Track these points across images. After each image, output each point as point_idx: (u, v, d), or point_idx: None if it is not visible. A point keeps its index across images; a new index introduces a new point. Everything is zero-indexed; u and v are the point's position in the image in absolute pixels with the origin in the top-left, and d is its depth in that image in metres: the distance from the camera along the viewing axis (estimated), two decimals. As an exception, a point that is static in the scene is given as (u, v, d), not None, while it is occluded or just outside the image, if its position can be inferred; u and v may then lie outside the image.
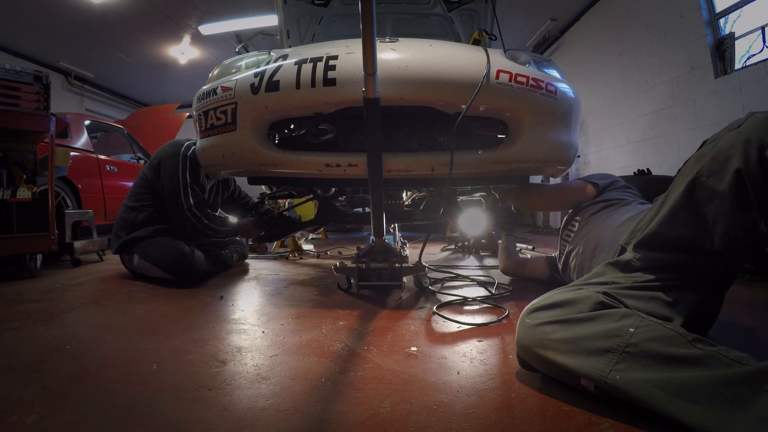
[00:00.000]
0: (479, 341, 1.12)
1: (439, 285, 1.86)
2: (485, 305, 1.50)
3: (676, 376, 0.65)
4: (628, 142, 4.62)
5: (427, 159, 1.46)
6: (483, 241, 3.20)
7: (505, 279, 2.01)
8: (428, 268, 2.03)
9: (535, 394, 0.80)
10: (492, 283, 1.85)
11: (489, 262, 2.69)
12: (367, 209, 2.53)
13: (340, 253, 3.24)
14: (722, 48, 3.39)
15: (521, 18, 5.71)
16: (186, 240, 2.08)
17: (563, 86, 1.51)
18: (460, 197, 2.39)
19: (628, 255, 0.93)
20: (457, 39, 2.87)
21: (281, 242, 3.37)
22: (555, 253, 1.83)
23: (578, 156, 3.73)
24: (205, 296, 1.70)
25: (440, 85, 1.37)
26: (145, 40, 6.18)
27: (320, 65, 1.38)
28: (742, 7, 3.29)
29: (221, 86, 1.50)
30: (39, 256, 2.21)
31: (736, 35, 3.32)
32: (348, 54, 1.39)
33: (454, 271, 2.21)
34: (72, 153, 3.29)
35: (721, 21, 3.48)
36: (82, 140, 3.88)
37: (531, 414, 0.73)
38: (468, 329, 1.23)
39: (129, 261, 2.09)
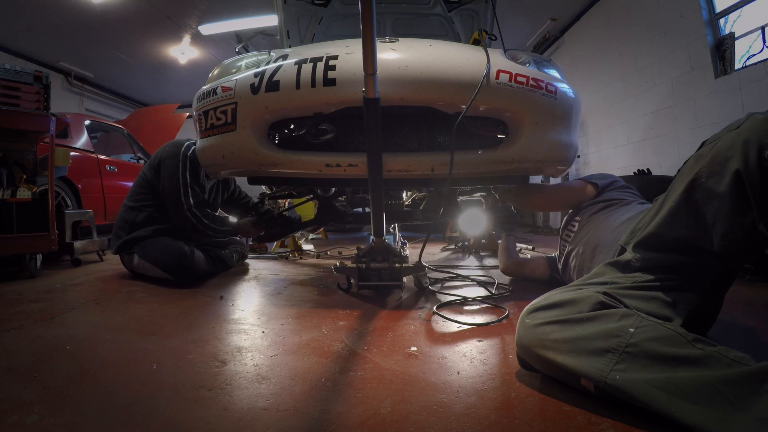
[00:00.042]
0: (479, 341, 1.12)
1: (439, 285, 1.86)
2: (485, 305, 1.50)
3: (676, 376, 0.65)
4: (628, 142, 4.62)
5: (427, 159, 1.46)
6: (483, 241, 3.20)
7: (505, 279, 2.01)
8: (428, 268, 2.03)
9: (535, 394, 0.80)
10: (492, 283, 1.85)
11: (489, 262, 2.69)
12: (367, 209, 2.53)
13: (340, 253, 3.24)
14: (722, 48, 3.39)
15: (521, 18, 5.71)
16: (186, 240, 2.08)
17: (563, 86, 1.51)
18: (460, 197, 2.39)
19: (628, 255, 0.93)
20: (457, 39, 2.87)
21: (281, 242, 3.37)
22: (555, 253, 1.83)
23: (578, 156, 3.73)
24: (205, 296, 1.70)
25: (440, 85, 1.37)
26: (145, 40, 6.18)
27: (320, 65, 1.38)
28: (742, 7, 3.29)
29: (221, 86, 1.50)
30: (39, 256, 2.21)
31: (736, 35, 3.32)
32: (348, 54, 1.39)
33: (454, 271, 2.21)
34: (72, 153, 3.29)
35: (721, 21, 3.48)
36: (82, 140, 3.88)
37: (531, 414, 0.73)
38: (468, 329, 1.23)
39: (129, 261, 2.09)
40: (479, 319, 1.32)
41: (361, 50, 1.00)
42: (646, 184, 3.03)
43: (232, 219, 2.35)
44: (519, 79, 1.41)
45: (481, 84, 1.35)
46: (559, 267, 1.67)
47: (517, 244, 2.53)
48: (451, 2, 2.87)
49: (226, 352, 1.04)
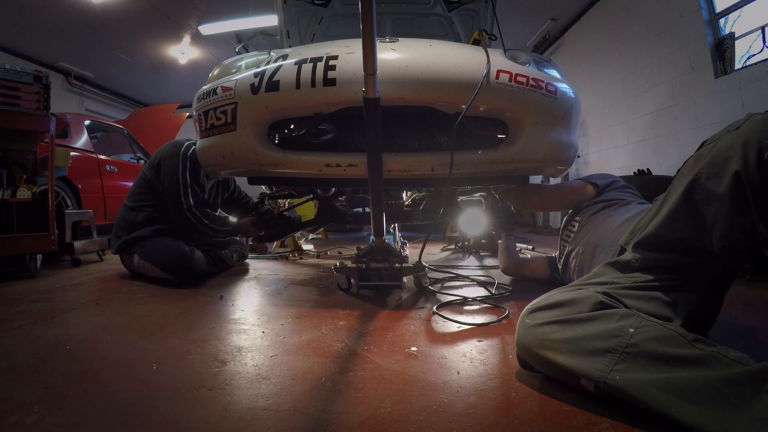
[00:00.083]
0: (479, 341, 1.12)
1: (439, 285, 1.86)
2: (485, 305, 1.50)
3: (676, 377, 0.65)
4: (628, 142, 4.62)
5: (427, 159, 1.46)
6: (483, 241, 3.20)
7: (505, 279, 2.01)
8: (428, 268, 2.03)
9: (535, 394, 0.80)
10: (492, 283, 1.85)
11: (489, 262, 2.69)
12: (367, 209, 2.53)
13: (340, 253, 3.24)
14: (722, 48, 3.39)
15: (521, 18, 5.71)
16: (186, 240, 2.08)
17: (563, 86, 1.51)
18: (460, 197, 2.39)
19: (628, 255, 0.93)
20: (457, 39, 2.87)
21: (281, 242, 3.37)
22: (555, 253, 1.83)
23: (578, 156, 3.73)
24: (205, 296, 1.70)
25: (440, 85, 1.37)
26: (145, 40, 6.18)
27: (320, 65, 1.38)
28: (742, 7, 3.29)
29: (221, 86, 1.50)
30: (39, 256, 2.21)
31: (736, 35, 3.32)
32: (348, 54, 1.39)
33: (454, 271, 2.21)
34: (72, 153, 3.29)
35: (721, 21, 3.48)
36: (82, 140, 3.88)
37: (531, 414, 0.73)
38: (468, 329, 1.23)
39: (129, 261, 2.09)
40: (479, 319, 1.32)
41: (361, 50, 1.00)
42: (646, 184, 3.03)
43: (232, 219, 2.35)
44: (519, 79, 1.41)
45: (481, 84, 1.35)
46: (559, 267, 1.67)
47: (517, 244, 2.53)
48: (451, 2, 2.87)
49: (226, 352, 1.04)
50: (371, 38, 0.97)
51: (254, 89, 1.43)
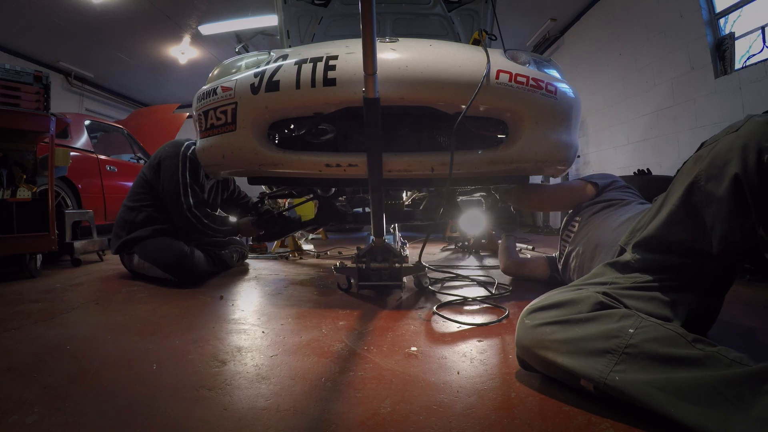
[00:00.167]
0: (479, 341, 1.12)
1: (439, 285, 1.86)
2: (485, 305, 1.50)
3: (676, 377, 0.65)
4: (628, 142, 4.62)
5: (427, 159, 1.46)
6: (483, 241, 3.20)
7: (505, 279, 2.01)
8: (428, 268, 2.03)
9: (535, 394, 0.80)
10: (492, 283, 1.85)
11: (489, 262, 2.69)
12: (367, 209, 2.53)
13: (340, 253, 3.24)
14: (722, 48, 3.39)
15: (521, 18, 5.71)
16: (186, 240, 2.08)
17: (563, 86, 1.51)
18: (460, 197, 2.39)
19: (627, 255, 0.93)
20: (457, 39, 2.87)
21: (281, 242, 3.37)
22: (555, 253, 1.83)
23: (578, 156, 3.73)
24: (205, 296, 1.70)
25: (440, 85, 1.38)
26: (145, 40, 6.18)
27: (320, 65, 1.38)
28: (742, 7, 3.29)
29: (221, 86, 1.50)
30: (39, 256, 2.21)
31: (736, 35, 3.32)
32: (348, 54, 1.39)
33: (454, 271, 2.21)
34: (72, 153, 3.29)
35: (721, 21, 3.48)
36: (82, 140, 3.88)
37: (531, 414, 0.73)
38: (468, 329, 1.23)
39: (129, 261, 2.09)
40: (479, 319, 1.32)
41: (361, 50, 1.00)
42: (646, 184, 3.03)
43: (232, 219, 2.35)
44: (519, 79, 1.41)
45: (481, 84, 1.35)
46: (559, 267, 1.67)
47: (517, 244, 2.53)
48: (451, 2, 2.87)
49: (226, 352, 1.04)
50: (371, 38, 0.97)
51: (254, 89, 1.43)
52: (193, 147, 2.09)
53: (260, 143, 1.47)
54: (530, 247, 3.41)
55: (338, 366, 0.95)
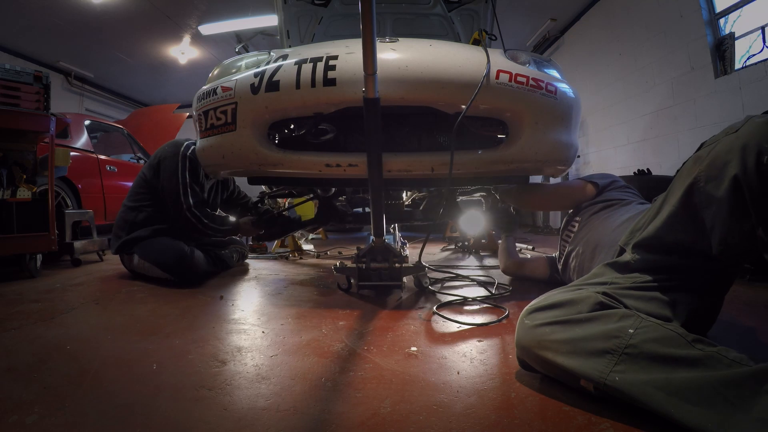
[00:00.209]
0: (479, 341, 1.12)
1: (439, 285, 1.86)
2: (485, 305, 1.50)
3: (676, 377, 0.65)
4: (628, 142, 4.62)
5: (427, 159, 1.46)
6: (483, 241, 3.20)
7: (505, 279, 2.01)
8: (428, 268, 2.03)
9: (535, 394, 0.80)
10: (492, 283, 1.85)
11: (489, 262, 2.69)
12: (367, 209, 2.53)
13: (340, 253, 3.24)
14: (722, 48, 3.39)
15: (521, 18, 5.71)
16: (186, 240, 2.08)
17: (563, 86, 1.51)
18: (460, 197, 2.39)
19: (627, 256, 0.93)
20: (457, 39, 2.87)
21: (281, 242, 3.37)
22: (555, 254, 1.83)
23: (578, 156, 3.73)
24: (205, 296, 1.70)
25: (440, 85, 1.38)
26: (145, 40, 6.18)
27: (320, 65, 1.38)
28: (742, 7, 3.29)
29: (221, 86, 1.50)
30: (39, 256, 2.21)
31: (736, 35, 3.32)
32: (348, 54, 1.39)
33: (454, 271, 2.21)
34: (72, 153, 3.29)
35: (721, 21, 3.48)
36: (82, 140, 3.88)
37: (531, 414, 0.73)
38: (468, 329, 1.23)
39: (129, 261, 2.09)
40: (479, 319, 1.32)
41: (361, 50, 1.00)
42: (646, 184, 3.03)
43: (232, 218, 2.35)
44: (519, 79, 1.41)
45: (481, 84, 1.35)
46: (559, 267, 1.67)
47: (517, 244, 2.53)
48: (451, 2, 2.87)
49: (226, 352, 1.04)
50: (371, 38, 0.97)
51: (254, 89, 1.43)
52: (192, 147, 2.09)
53: (260, 143, 1.47)
54: (530, 247, 3.41)
55: (338, 366, 0.95)
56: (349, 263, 1.73)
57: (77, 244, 2.63)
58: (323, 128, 1.51)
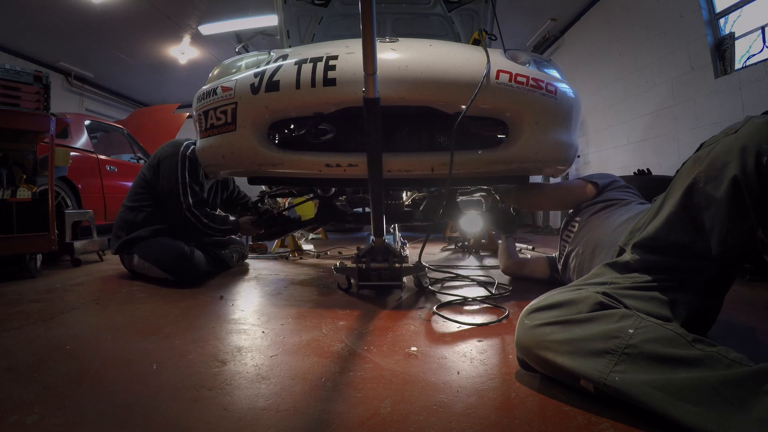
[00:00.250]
0: (479, 341, 1.12)
1: (439, 285, 1.86)
2: (485, 305, 1.50)
3: (676, 377, 0.65)
4: (628, 142, 4.62)
5: (427, 159, 1.46)
6: (483, 241, 3.20)
7: (505, 279, 2.01)
8: (428, 268, 2.03)
9: (535, 394, 0.80)
10: (492, 283, 1.85)
11: (489, 262, 2.69)
12: (367, 209, 2.53)
13: (340, 253, 3.24)
14: (722, 48, 3.39)
15: (521, 18, 5.71)
16: (186, 240, 2.08)
17: (563, 86, 1.51)
18: (460, 197, 2.39)
19: (627, 256, 0.93)
20: (457, 39, 2.87)
21: (281, 242, 3.37)
22: (555, 254, 1.83)
23: (578, 156, 3.73)
24: (205, 296, 1.70)
25: (440, 85, 1.37)
26: (145, 40, 6.18)
27: (320, 65, 1.38)
28: (742, 7, 3.29)
29: (221, 86, 1.50)
30: (39, 256, 2.21)
31: (736, 35, 3.32)
32: (348, 54, 1.39)
33: (454, 271, 2.21)
34: (72, 153, 3.29)
35: (721, 21, 3.48)
36: (82, 140, 3.88)
37: (531, 414, 0.73)
38: (468, 329, 1.23)
39: (129, 261, 2.09)
40: (479, 319, 1.32)
41: (361, 50, 1.00)
42: (646, 184, 3.03)
43: (232, 218, 2.35)
44: (519, 79, 1.41)
45: (481, 84, 1.35)
46: (559, 267, 1.67)
47: (517, 244, 2.53)
48: (451, 2, 2.87)
49: (226, 352, 1.04)
50: (371, 38, 0.97)
51: (254, 89, 1.43)
52: (192, 147, 2.09)
53: (260, 143, 1.47)
54: (530, 247, 3.41)
55: (338, 366, 0.95)
56: (349, 263, 1.72)
57: (77, 244, 2.63)
58: (323, 128, 1.51)
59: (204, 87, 1.61)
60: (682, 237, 0.83)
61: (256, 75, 1.44)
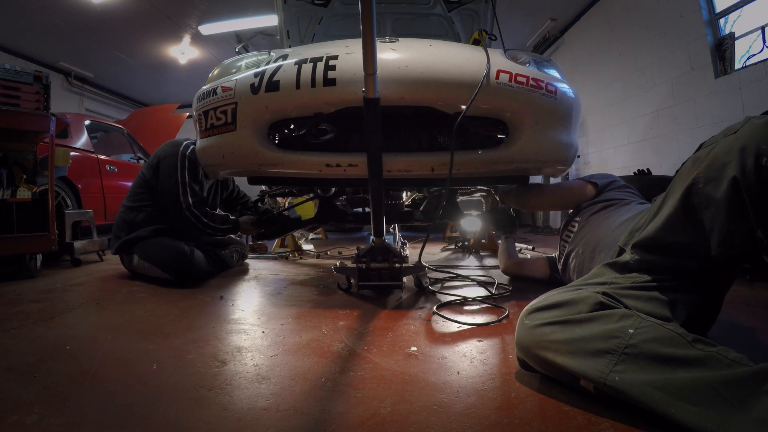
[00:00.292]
0: (479, 341, 1.12)
1: (439, 285, 1.86)
2: (485, 305, 1.50)
3: (676, 377, 0.65)
4: (628, 142, 4.62)
5: (427, 159, 1.46)
6: (483, 241, 3.20)
7: (505, 279, 2.01)
8: (428, 268, 2.03)
9: (535, 394, 0.80)
10: (492, 283, 1.85)
11: (489, 262, 2.69)
12: (367, 209, 2.53)
13: (340, 253, 3.24)
14: (722, 48, 3.39)
15: (521, 18, 5.71)
16: (186, 240, 2.08)
17: (563, 86, 1.51)
18: (460, 197, 2.39)
19: (626, 256, 0.93)
20: (457, 39, 2.87)
21: (281, 242, 3.37)
22: (555, 254, 1.83)
23: (578, 156, 3.73)
24: (205, 296, 1.70)
25: (440, 85, 1.37)
26: (145, 40, 6.18)
27: (320, 65, 1.38)
28: (742, 7, 3.29)
29: (221, 86, 1.50)
30: (39, 256, 2.21)
31: (736, 35, 3.32)
32: (348, 54, 1.39)
33: (454, 271, 2.21)
34: (72, 153, 3.29)
35: (721, 21, 3.48)
36: (82, 140, 3.88)
37: (531, 414, 0.73)
38: (468, 329, 1.23)
39: (129, 261, 2.09)
40: (479, 319, 1.32)
41: (361, 50, 1.00)
42: (646, 184, 3.03)
43: (232, 217, 2.35)
44: (519, 79, 1.41)
45: (481, 84, 1.35)
46: (559, 267, 1.67)
47: (517, 244, 2.53)
48: (451, 2, 2.87)
49: (226, 352, 1.04)
50: (371, 38, 0.97)
51: (254, 89, 1.43)
52: (191, 146, 2.09)
53: (260, 143, 1.47)
54: (530, 247, 3.41)
55: (338, 366, 0.95)
56: (349, 263, 1.72)
57: (77, 244, 2.63)
58: (323, 128, 1.51)
59: (204, 87, 1.61)
60: (682, 237, 0.83)
61: (256, 75, 1.44)
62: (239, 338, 1.16)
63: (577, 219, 1.54)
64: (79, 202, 3.58)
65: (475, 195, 2.44)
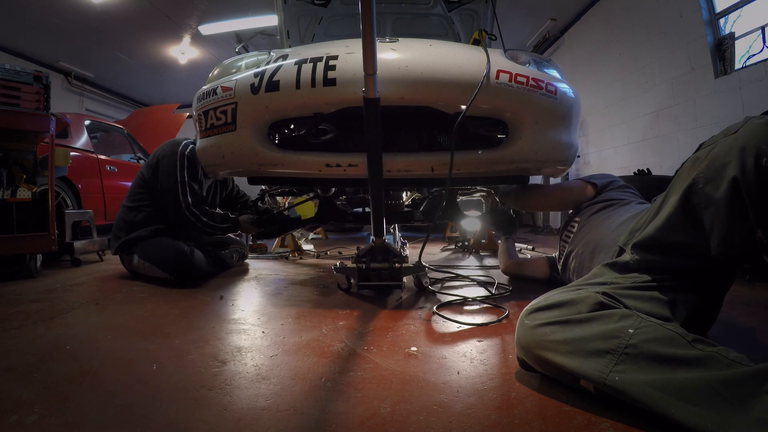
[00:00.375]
0: (479, 341, 1.12)
1: (439, 285, 1.86)
2: (485, 305, 1.50)
3: (676, 377, 0.65)
4: (628, 142, 4.62)
5: (427, 159, 1.46)
6: (483, 241, 3.20)
7: (505, 279, 2.01)
8: (428, 268, 2.03)
9: (535, 394, 0.80)
10: (492, 283, 1.85)
11: (489, 262, 2.69)
12: (367, 209, 2.53)
13: (340, 253, 3.24)
14: (722, 48, 3.40)
15: (521, 18, 5.71)
16: (185, 240, 2.08)
17: (563, 86, 1.51)
18: (460, 197, 2.39)
19: (626, 256, 0.93)
20: (457, 39, 2.87)
21: (281, 242, 3.37)
22: (555, 254, 1.83)
23: (578, 156, 3.73)
24: (205, 296, 1.70)
25: (440, 85, 1.37)
26: (145, 40, 6.19)
27: (320, 65, 1.38)
28: (742, 7, 3.29)
29: (221, 86, 1.50)
30: (39, 256, 2.21)
31: (736, 35, 3.32)
32: (348, 54, 1.39)
33: (454, 271, 2.21)
34: (72, 153, 3.29)
35: (721, 21, 3.48)
36: (82, 140, 3.88)
37: (531, 414, 0.73)
38: (468, 329, 1.23)
39: (129, 261, 2.09)
40: (479, 319, 1.32)
41: (361, 50, 1.00)
42: (646, 184, 3.03)
43: (232, 216, 2.35)
44: (519, 79, 1.41)
45: (481, 84, 1.35)
46: (559, 267, 1.67)
47: (517, 244, 2.53)
48: (451, 2, 2.87)
49: (226, 352, 1.04)
50: (371, 38, 0.97)
51: (254, 89, 1.43)
52: (191, 146, 2.09)
53: (260, 143, 1.47)
54: (530, 247, 3.41)
55: (338, 366, 0.95)
56: (349, 263, 1.72)
57: (77, 244, 2.63)
58: (323, 128, 1.51)
59: (204, 87, 1.61)
60: (682, 237, 0.83)
61: (256, 75, 1.44)
62: (239, 338, 1.16)
63: (577, 219, 1.54)
64: (79, 202, 3.58)
65: (475, 195, 2.44)
